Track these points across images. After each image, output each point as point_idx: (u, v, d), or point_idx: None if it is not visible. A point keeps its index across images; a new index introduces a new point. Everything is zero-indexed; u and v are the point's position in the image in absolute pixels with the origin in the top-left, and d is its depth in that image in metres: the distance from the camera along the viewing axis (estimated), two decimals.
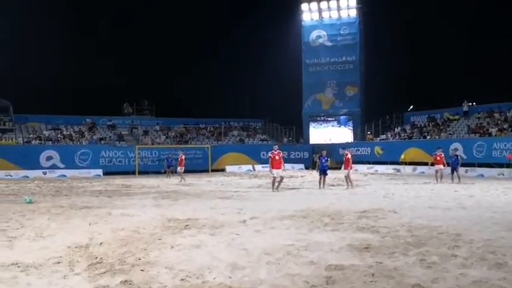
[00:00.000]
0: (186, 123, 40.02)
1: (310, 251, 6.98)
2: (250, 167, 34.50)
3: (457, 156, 22.20)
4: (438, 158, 21.32)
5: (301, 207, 11.99)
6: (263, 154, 35.95)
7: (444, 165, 21.27)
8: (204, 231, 8.78)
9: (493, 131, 28.42)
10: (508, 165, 24.93)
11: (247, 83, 43.80)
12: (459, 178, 20.73)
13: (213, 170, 32.85)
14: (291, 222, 9.79)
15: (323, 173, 18.34)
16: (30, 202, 13.90)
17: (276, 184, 17.15)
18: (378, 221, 9.85)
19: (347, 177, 18.53)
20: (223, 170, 33.74)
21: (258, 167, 34.43)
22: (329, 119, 41.75)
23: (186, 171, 26.11)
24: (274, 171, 17.10)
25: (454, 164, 21.15)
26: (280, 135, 40.98)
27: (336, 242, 7.64)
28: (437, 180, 20.70)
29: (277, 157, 17.09)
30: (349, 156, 19.23)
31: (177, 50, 45.40)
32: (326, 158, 18.61)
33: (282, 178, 17.30)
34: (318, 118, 41.89)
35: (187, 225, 9.34)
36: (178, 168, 24.50)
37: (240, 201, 14.39)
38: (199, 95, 44.54)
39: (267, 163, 34.47)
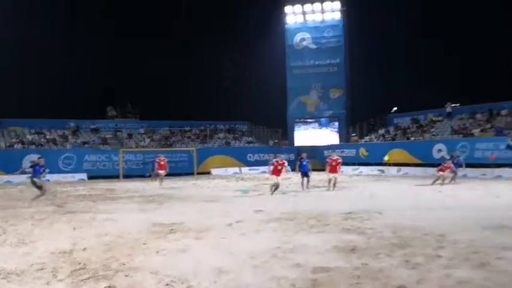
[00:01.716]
0: (171, 126, 39.82)
1: (296, 254, 6.98)
2: (236, 169, 34.46)
3: (458, 157, 22.43)
4: (445, 168, 20.93)
5: (288, 210, 12.00)
6: (250, 156, 36.05)
7: (453, 170, 21.08)
8: (190, 235, 8.72)
9: (476, 131, 28.77)
10: (490, 165, 25.27)
11: (233, 86, 43.74)
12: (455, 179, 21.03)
13: (198, 173, 32.73)
14: (277, 224, 9.79)
15: (304, 174, 18.47)
16: (246, 191, 15.46)
17: (273, 189, 17.28)
18: (363, 222, 9.90)
19: (332, 180, 18.59)
20: (209, 173, 33.65)
21: (245, 169, 34.42)
22: (314, 121, 41.94)
23: (171, 175, 25.95)
24: (273, 177, 17.49)
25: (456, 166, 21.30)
26: (266, 138, 41.03)
27: (322, 243, 7.65)
28: (439, 181, 20.45)
29: (279, 167, 17.43)
30: (340, 160, 19.35)
31: (160, 51, 45.13)
32: (307, 160, 18.73)
33: (278, 185, 17.47)
34: (303, 120, 42.08)
35: (172, 230, 9.28)
36: (160, 171, 24.08)
37: (226, 204, 14.34)
38: (184, 97, 44.29)
39: (254, 165, 35.00)
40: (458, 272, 5.83)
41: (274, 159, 18.59)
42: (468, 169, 24.05)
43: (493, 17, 36.93)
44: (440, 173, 20.62)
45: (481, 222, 9.43)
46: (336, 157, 19.25)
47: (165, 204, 14.53)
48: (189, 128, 40.10)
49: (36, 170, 14.67)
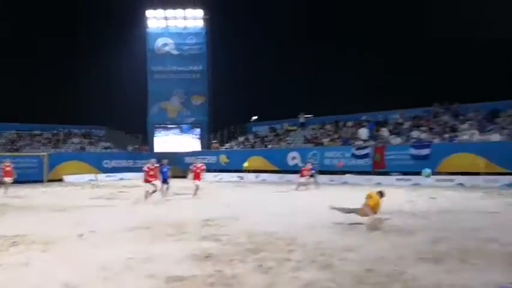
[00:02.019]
0: (18, 129, 36.43)
1: (150, 264, 6.81)
2: (92, 176, 32.68)
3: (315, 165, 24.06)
4: (305, 171, 22.53)
5: (145, 219, 11.65)
6: (106, 163, 34.51)
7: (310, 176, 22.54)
8: (35, 247, 8.03)
9: (325, 141, 31.06)
10: (337, 172, 27.42)
11: (89, 88, 41.51)
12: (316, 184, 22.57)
13: (49, 180, 30.34)
14: (133, 234, 9.46)
15: (164, 181, 18.22)
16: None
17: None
18: (220, 229, 10.01)
19: (196, 187, 18.66)
20: (61, 180, 31.39)
21: (101, 176, 32.81)
22: (175, 127, 41.68)
23: (18, 182, 23.72)
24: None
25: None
26: (125, 143, 39.65)
27: (178, 252, 7.57)
28: (303, 187, 21.79)
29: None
30: (204, 167, 19.56)
31: (5, 49, 41.13)
32: (167, 167, 18.52)
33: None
34: (164, 126, 41.58)
35: (14, 242, 8.46)
36: (6, 178, 21.83)
37: (78, 213, 13.46)
38: (34, 99, 40.80)
39: (111, 172, 33.47)
40: (305, 274, 6.17)
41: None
42: (319, 176, 25.80)
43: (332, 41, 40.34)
44: (302, 179, 21.98)
45: (328, 226, 10.14)
46: (200, 164, 19.37)
47: (9, 215, 13.21)
48: (39, 131, 37.09)
49: None
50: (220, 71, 41.22)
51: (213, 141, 38.53)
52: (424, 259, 6.90)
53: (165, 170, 18.25)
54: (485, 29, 31.38)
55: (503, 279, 5.79)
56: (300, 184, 21.97)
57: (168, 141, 41.01)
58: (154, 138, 41.42)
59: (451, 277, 5.98)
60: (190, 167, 19.65)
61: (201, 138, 41.11)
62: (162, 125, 41.62)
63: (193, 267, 6.60)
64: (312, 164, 23.67)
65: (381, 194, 10.22)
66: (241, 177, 31.46)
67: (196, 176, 18.78)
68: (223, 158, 34.60)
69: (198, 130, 41.58)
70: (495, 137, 23.80)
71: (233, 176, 31.93)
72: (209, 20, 41.63)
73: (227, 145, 37.92)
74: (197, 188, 18.70)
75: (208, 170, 33.01)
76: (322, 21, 43.67)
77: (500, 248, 7.61)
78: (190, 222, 10.99)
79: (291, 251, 7.56)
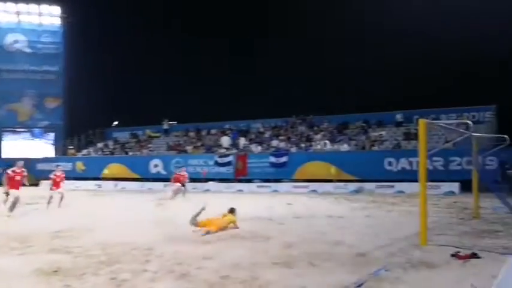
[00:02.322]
0: None
1: None
2: None
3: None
4: (180, 176, 21.17)
5: None
6: None
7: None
8: None
9: (189, 148, 31.06)
10: (200, 180, 27.53)
11: None
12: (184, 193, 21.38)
13: None
14: None
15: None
16: None
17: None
18: (72, 240, 9.38)
19: (56, 196, 17.13)
20: None
21: None
22: (26, 131, 38.35)
23: None
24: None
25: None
26: None
27: (23, 266, 6.93)
28: (172, 196, 20.20)
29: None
30: (64, 175, 17.90)
31: None
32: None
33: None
34: (13, 130, 38.02)
35: None
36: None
37: None
38: None
39: None
40: (161, 285, 6.04)
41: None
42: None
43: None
44: (175, 185, 20.68)
45: (187, 234, 10.05)
46: (60, 172, 17.85)
47: None
48: None
49: None
50: (79, 73, 38.86)
51: (69, 147, 36.13)
52: (277, 264, 7.16)
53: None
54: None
55: (349, 279, 6.22)
56: (177, 191, 20.59)
57: (18, 146, 37.49)
58: (2, 142, 37.67)
59: (302, 280, 6.27)
60: (50, 175, 18.07)
61: (56, 143, 38.30)
62: (11, 129, 38.00)
63: (39, 283, 6.09)
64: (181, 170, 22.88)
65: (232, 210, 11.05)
66: (99, 186, 30.05)
67: (56, 185, 17.21)
68: (79, 165, 32.65)
69: (52, 135, 38.72)
70: (344, 147, 25.93)
71: (90, 184, 30.35)
72: (68, 18, 39.16)
73: (84, 151, 35.88)
74: (56, 197, 17.14)
75: (66, 178, 31.10)
76: (185, 24, 43.70)
77: (346, 250, 8.21)
78: (39, 233, 10.11)
79: (148, 262, 7.34)
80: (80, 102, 38.45)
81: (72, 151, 35.65)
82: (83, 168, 32.40)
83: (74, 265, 7.11)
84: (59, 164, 30.99)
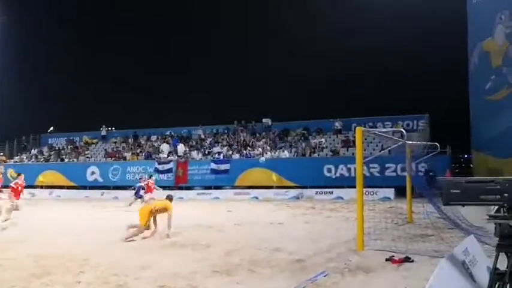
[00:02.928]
0: None
1: None
2: None
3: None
4: (150, 185, 19.50)
5: None
6: None
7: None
8: None
9: (128, 155, 30.29)
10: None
11: None
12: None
13: None
14: None
15: None
16: None
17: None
18: (2, 253, 8.88)
19: (15, 207, 15.98)
20: None
21: None
22: None
23: None
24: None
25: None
26: None
27: None
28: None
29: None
30: (24, 184, 16.77)
31: None
32: None
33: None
34: None
35: None
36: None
37: None
38: None
39: None
40: None
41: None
42: (120, 191, 25.03)
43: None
44: (147, 195, 18.78)
45: (125, 243, 9.81)
46: (21, 181, 16.70)
47: None
48: None
49: None
50: (10, 77, 37.07)
51: (0, 154, 34.29)
52: (217, 272, 7.11)
53: None
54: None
55: (289, 285, 6.27)
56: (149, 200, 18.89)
57: None
58: None
59: (241, 287, 6.28)
60: (11, 184, 16.86)
61: None
62: None
63: None
64: (144, 180, 20.64)
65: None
66: (33, 194, 28.68)
67: (17, 194, 16.05)
68: (11, 173, 31.01)
69: None
70: (285, 154, 26.24)
71: (24, 193, 28.81)
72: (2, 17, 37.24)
73: (17, 158, 34.15)
74: (17, 207, 16.04)
75: None
76: (118, 28, 42.97)
77: (286, 256, 8.29)
78: None
79: (82, 273, 7.07)
80: (13, 107, 36.71)
81: (3, 158, 33.82)
82: (15, 175, 30.76)
83: (3, 279, 6.74)
84: None
